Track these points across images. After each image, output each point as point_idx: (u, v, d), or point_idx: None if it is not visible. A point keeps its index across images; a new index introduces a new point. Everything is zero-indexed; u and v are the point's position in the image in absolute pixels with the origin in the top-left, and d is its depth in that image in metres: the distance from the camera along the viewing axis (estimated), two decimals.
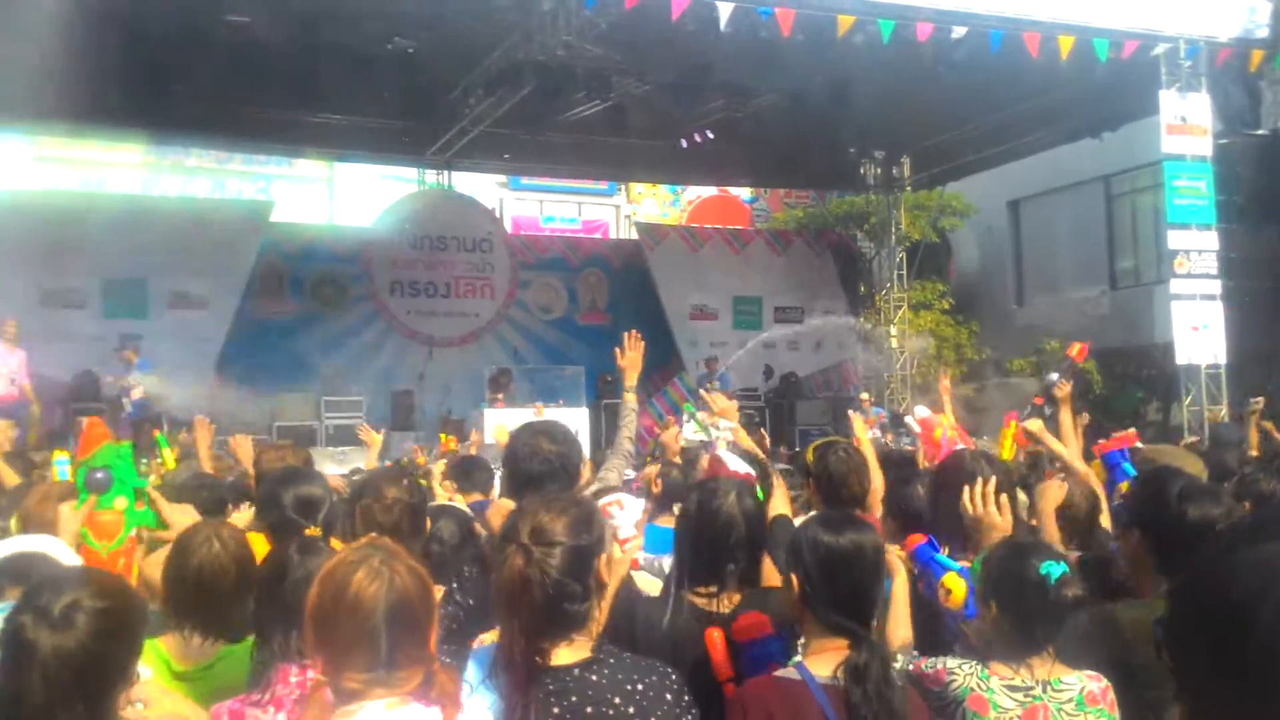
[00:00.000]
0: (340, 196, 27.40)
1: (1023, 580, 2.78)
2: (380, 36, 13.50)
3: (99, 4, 11.59)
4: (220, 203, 22.16)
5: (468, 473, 5.66)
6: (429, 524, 3.55)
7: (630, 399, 4.63)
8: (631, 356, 4.75)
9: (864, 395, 18.07)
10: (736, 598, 3.05)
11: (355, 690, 2.03)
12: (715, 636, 2.83)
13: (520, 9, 12.02)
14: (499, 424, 9.47)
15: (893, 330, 20.50)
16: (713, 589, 3.07)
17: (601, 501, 3.66)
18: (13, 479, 4.28)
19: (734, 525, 3.14)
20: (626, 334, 4.81)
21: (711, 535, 3.15)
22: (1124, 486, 4.14)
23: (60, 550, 3.05)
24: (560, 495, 2.84)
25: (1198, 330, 13.57)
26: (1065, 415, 5.29)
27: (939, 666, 2.82)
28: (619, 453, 4.53)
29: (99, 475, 3.00)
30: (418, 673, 2.08)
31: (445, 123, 16.53)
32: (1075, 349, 5.86)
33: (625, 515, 3.64)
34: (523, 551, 2.37)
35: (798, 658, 2.69)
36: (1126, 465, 4.41)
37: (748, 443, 4.60)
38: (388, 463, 7.50)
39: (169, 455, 7.03)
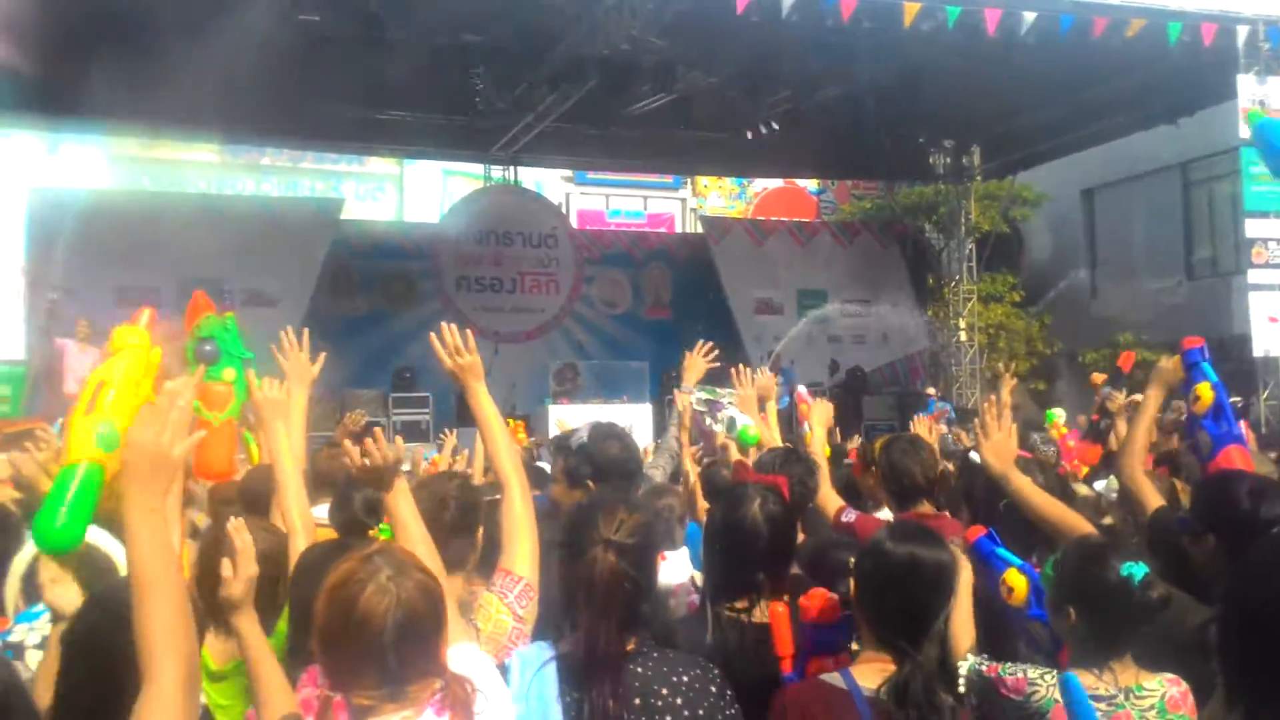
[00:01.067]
0: (409, 193, 27.71)
1: (1104, 583, 2.64)
2: (447, 33, 13.63)
3: (173, 8, 11.83)
4: (292, 201, 22.51)
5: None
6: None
7: (684, 399, 4.61)
8: (696, 360, 4.75)
9: (930, 389, 17.87)
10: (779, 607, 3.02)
11: (367, 707, 2.03)
12: (780, 611, 2.80)
13: (584, 3, 12.04)
14: (559, 418, 9.54)
15: (961, 323, 20.25)
16: (745, 602, 3.01)
17: None
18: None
19: (759, 534, 3.05)
20: (700, 342, 4.80)
21: (738, 545, 3.08)
22: (1203, 389, 3.89)
23: (106, 540, 3.11)
24: (626, 495, 2.86)
25: (1276, 321, 13.21)
26: (1120, 424, 5.28)
27: (1019, 675, 2.67)
28: (665, 450, 4.54)
29: (207, 348, 3.03)
30: (429, 685, 2.08)
31: (511, 118, 16.63)
32: (1122, 358, 5.80)
33: (669, 568, 3.60)
34: (616, 550, 2.40)
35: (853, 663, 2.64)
36: (1206, 365, 4.02)
37: (771, 436, 4.54)
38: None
39: (255, 450, 7.12)
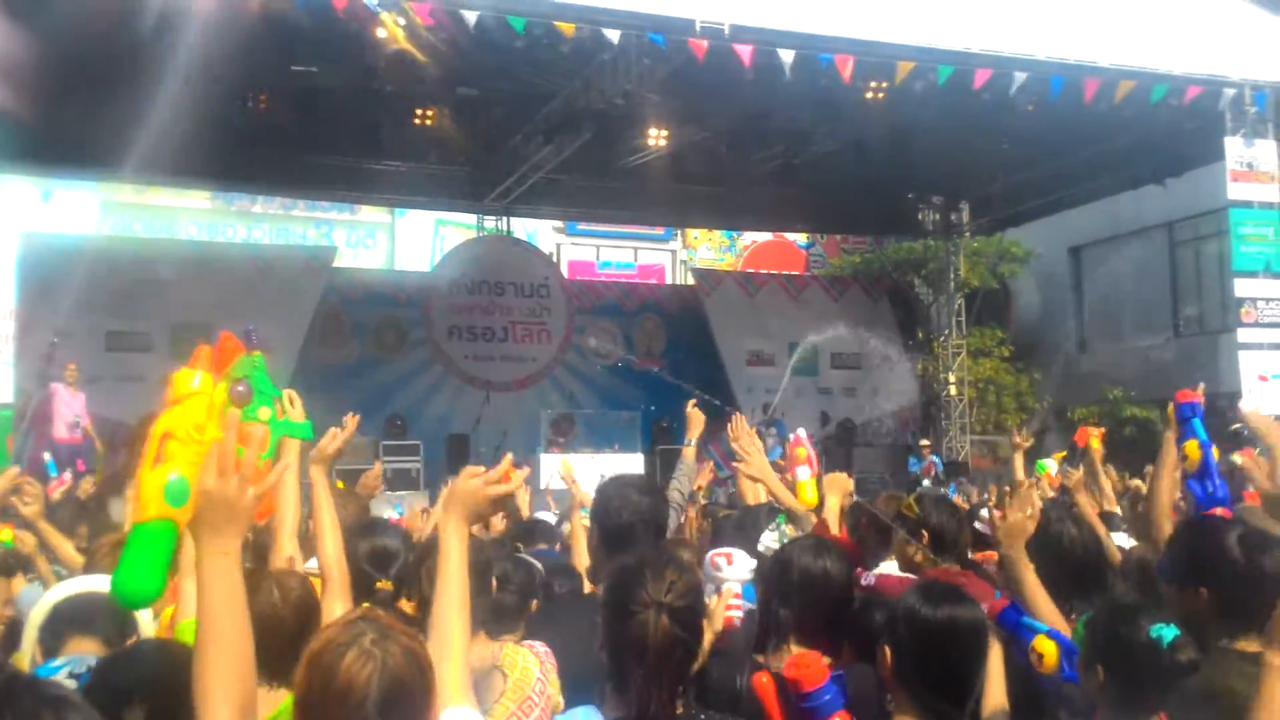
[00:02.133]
0: (401, 242, 27.79)
1: (1133, 643, 2.60)
2: (443, 87, 13.74)
3: (168, 57, 11.89)
4: (284, 249, 22.52)
5: (529, 532, 5.75)
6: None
7: (689, 453, 4.59)
8: (695, 414, 4.75)
9: (924, 442, 17.88)
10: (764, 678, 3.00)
11: None
12: (765, 682, 2.78)
13: (580, 58, 12.17)
14: (562, 459, 9.48)
15: (951, 377, 20.31)
16: (789, 649, 3.02)
17: (711, 553, 3.67)
18: (61, 542, 4.26)
19: (821, 580, 3.15)
20: (692, 401, 4.80)
21: (791, 591, 3.14)
22: (1190, 447, 3.96)
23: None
24: (668, 553, 2.84)
25: (1266, 380, 13.28)
26: (1081, 498, 5.41)
27: None
28: (669, 503, 4.51)
29: (241, 389, 3.01)
30: None
31: (505, 169, 16.73)
32: (1079, 434, 5.82)
33: (733, 570, 3.62)
34: (669, 613, 2.38)
35: None
36: (1197, 421, 4.06)
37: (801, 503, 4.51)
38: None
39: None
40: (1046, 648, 2.81)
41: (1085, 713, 2.74)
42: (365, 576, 3.44)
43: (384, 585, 3.41)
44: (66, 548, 3.91)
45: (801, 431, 4.67)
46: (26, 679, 1.94)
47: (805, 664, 2.70)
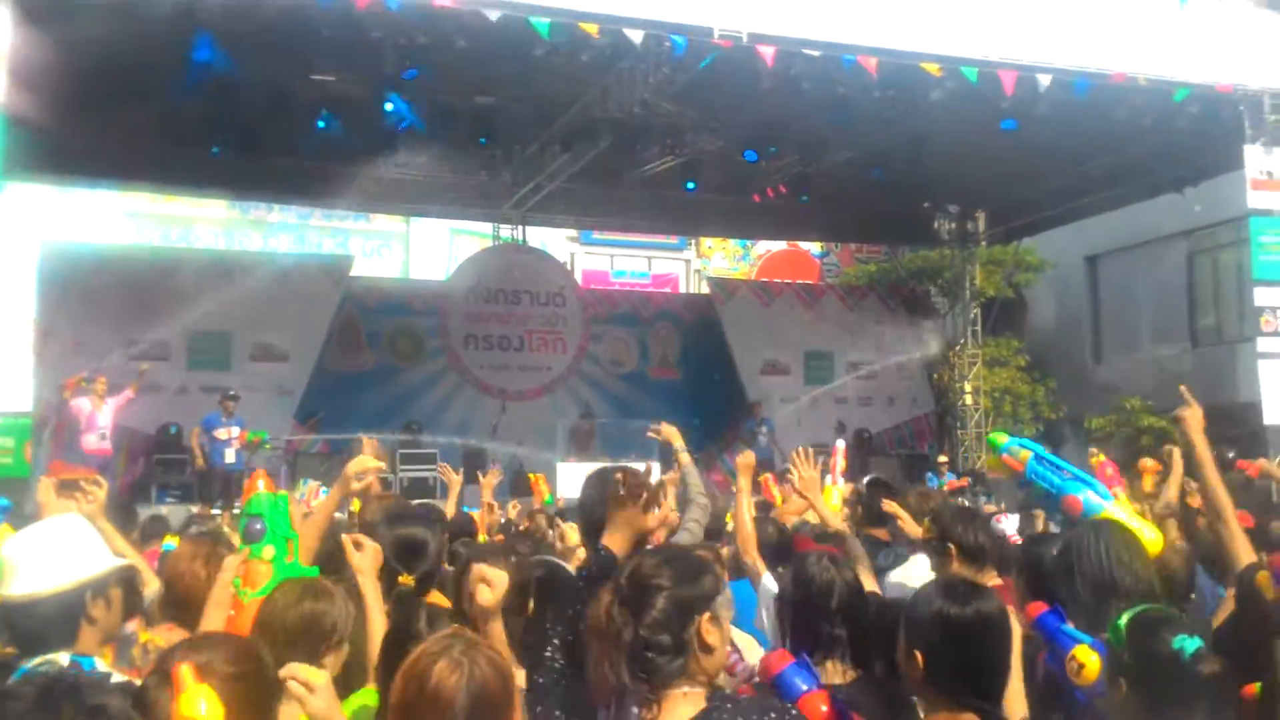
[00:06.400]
0: (414, 250, 27.86)
1: (1154, 655, 2.54)
2: (463, 95, 13.80)
3: (186, 65, 11.97)
4: (302, 257, 22.57)
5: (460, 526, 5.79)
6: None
7: (684, 458, 4.60)
8: (669, 427, 4.75)
9: (942, 459, 17.78)
10: (851, 672, 2.99)
11: None
12: (815, 701, 2.76)
13: (598, 67, 12.20)
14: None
15: (967, 387, 20.25)
16: (819, 658, 3.02)
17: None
18: (114, 536, 4.32)
19: (833, 590, 3.15)
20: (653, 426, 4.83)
21: (810, 602, 3.15)
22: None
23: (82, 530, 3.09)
24: (675, 545, 2.83)
25: None
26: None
27: None
28: (695, 506, 4.50)
29: (257, 526, 3.04)
30: None
31: (521, 178, 16.76)
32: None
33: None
34: (615, 591, 2.37)
35: None
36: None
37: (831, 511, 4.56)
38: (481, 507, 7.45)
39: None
40: (1088, 658, 2.73)
41: None
42: (389, 571, 3.44)
43: (405, 580, 3.39)
44: (117, 541, 3.97)
45: (841, 443, 4.83)
46: (68, 682, 2.00)
47: (773, 658, 2.78)
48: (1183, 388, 4.17)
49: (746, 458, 4.92)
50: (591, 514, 3.30)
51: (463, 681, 2.08)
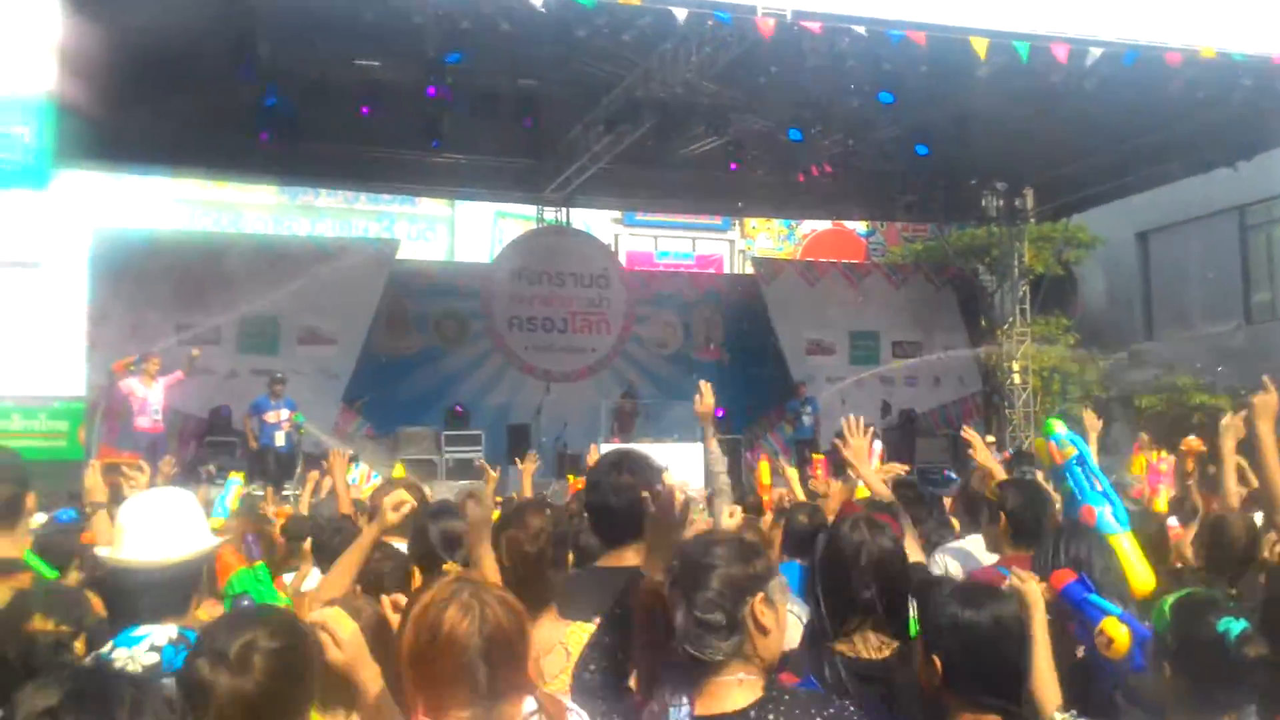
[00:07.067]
0: (460, 234, 28.01)
1: (1198, 639, 2.52)
2: (505, 79, 13.83)
3: (236, 52, 12.10)
4: (349, 241, 22.75)
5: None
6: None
7: (712, 445, 4.58)
8: (707, 402, 4.69)
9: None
10: (887, 646, 2.97)
11: None
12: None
13: (641, 48, 12.16)
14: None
15: (1015, 365, 20.04)
16: (853, 626, 3.00)
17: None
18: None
19: (862, 550, 3.10)
20: (701, 383, 4.77)
21: (841, 565, 3.10)
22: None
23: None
24: (722, 530, 2.82)
25: None
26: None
27: None
28: (722, 495, 4.49)
29: (245, 603, 3.06)
30: (519, 700, 2.12)
31: (564, 160, 16.78)
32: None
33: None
34: (667, 573, 2.35)
35: None
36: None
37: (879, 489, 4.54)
38: (514, 495, 7.57)
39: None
40: (1116, 632, 2.70)
41: (1156, 711, 2.64)
42: (435, 557, 3.60)
43: (450, 567, 3.47)
44: None
45: (877, 445, 4.85)
46: (100, 678, 1.99)
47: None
48: (1265, 378, 4.12)
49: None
50: (613, 517, 3.22)
51: (475, 625, 2.07)
